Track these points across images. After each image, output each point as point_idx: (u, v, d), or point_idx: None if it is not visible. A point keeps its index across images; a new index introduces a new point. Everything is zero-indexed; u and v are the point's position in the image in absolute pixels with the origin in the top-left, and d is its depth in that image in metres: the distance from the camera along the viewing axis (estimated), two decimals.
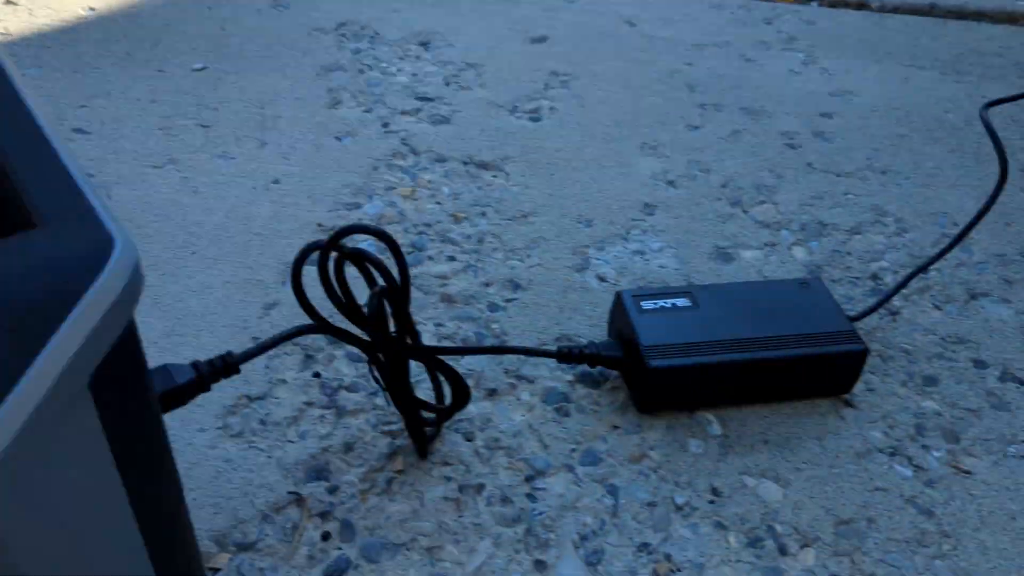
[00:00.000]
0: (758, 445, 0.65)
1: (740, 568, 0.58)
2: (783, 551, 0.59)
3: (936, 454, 0.65)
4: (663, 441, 0.65)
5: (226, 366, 0.50)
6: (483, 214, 0.85)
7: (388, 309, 0.57)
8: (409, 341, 0.59)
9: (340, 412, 0.66)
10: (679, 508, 0.61)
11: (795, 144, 0.96)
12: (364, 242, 0.80)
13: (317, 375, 0.69)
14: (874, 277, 0.80)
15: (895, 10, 1.22)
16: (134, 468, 0.32)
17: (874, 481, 0.63)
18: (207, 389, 0.50)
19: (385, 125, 0.95)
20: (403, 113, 0.97)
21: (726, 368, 0.65)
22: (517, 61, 1.08)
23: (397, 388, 0.59)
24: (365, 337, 0.58)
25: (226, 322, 0.72)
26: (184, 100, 0.97)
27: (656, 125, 0.98)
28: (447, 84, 1.02)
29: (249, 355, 0.51)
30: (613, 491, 0.62)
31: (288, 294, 0.75)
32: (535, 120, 0.98)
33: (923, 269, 0.74)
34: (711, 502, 0.61)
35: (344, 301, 0.57)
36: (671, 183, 0.90)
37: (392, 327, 0.58)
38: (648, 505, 0.61)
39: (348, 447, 0.64)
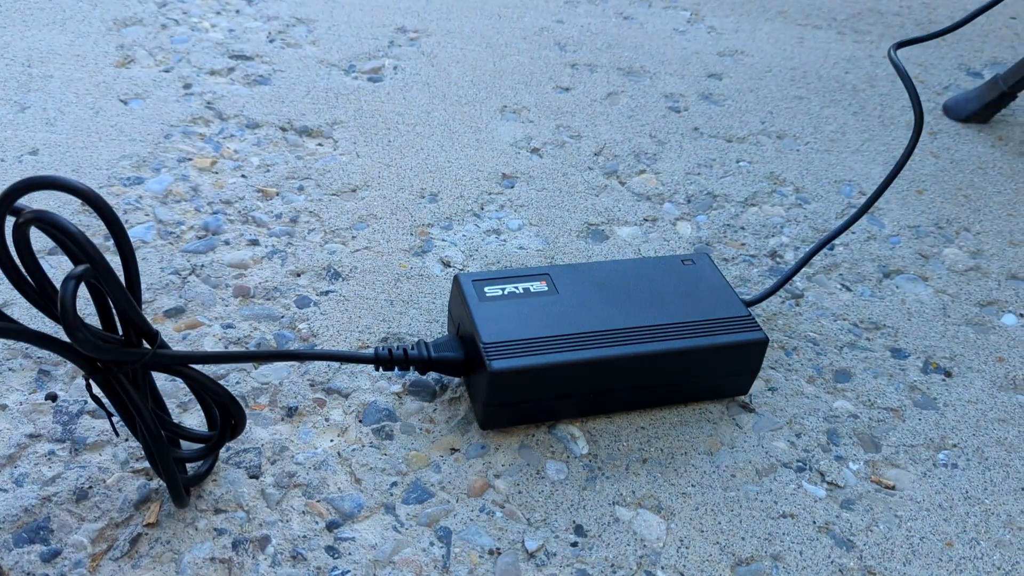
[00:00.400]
0: (634, 465, 0.51)
1: None
2: None
3: (853, 466, 0.52)
4: (513, 466, 0.50)
5: None
6: (300, 188, 0.68)
7: (113, 302, 0.40)
8: (147, 345, 0.42)
9: (77, 446, 0.49)
10: (531, 555, 0.46)
11: (679, 107, 0.83)
12: (145, 225, 0.62)
13: (52, 397, 0.51)
14: (773, 255, 0.67)
15: None
16: None
17: (779, 505, 0.49)
18: None
19: (187, 87, 0.78)
20: (211, 73, 0.80)
21: (592, 367, 0.50)
22: (358, 16, 0.91)
23: (133, 412, 0.42)
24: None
25: None
26: None
27: (519, 86, 0.83)
28: (270, 41, 0.85)
29: None
30: (445, 536, 0.46)
31: None
32: (375, 80, 0.82)
33: (828, 243, 0.61)
34: (574, 544, 0.47)
35: (35, 286, 0.40)
36: (535, 151, 0.75)
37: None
38: (490, 553, 0.46)
39: (81, 494, 0.46)
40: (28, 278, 0.39)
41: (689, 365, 0.53)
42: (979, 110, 0.84)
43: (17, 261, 0.40)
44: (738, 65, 0.90)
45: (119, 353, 0.40)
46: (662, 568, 0.46)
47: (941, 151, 0.80)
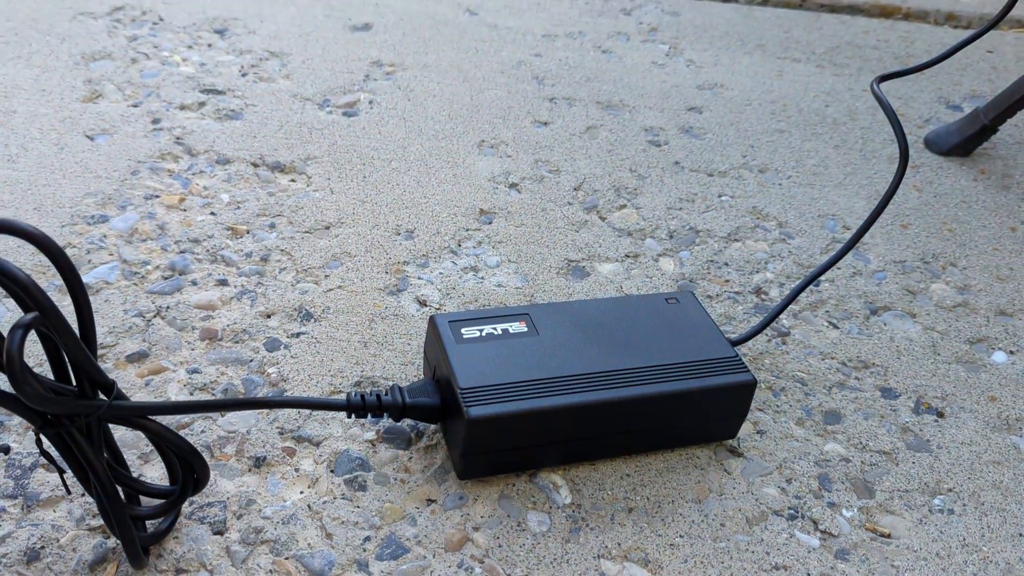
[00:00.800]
0: (620, 515, 0.49)
1: None
2: None
3: (847, 513, 0.50)
4: (493, 518, 0.48)
5: None
6: (272, 226, 0.66)
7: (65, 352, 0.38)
8: (103, 397, 0.40)
9: (29, 503, 0.46)
10: None
11: (660, 141, 0.82)
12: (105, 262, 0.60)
13: (4, 450, 0.48)
14: (758, 291, 0.66)
15: (764, 2, 1.11)
16: None
17: (772, 556, 0.47)
18: None
19: (156, 121, 0.75)
20: (181, 108, 0.78)
21: (574, 413, 0.48)
22: (333, 50, 0.90)
23: (86, 467, 0.40)
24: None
25: None
26: None
27: (497, 121, 0.82)
28: (243, 75, 0.84)
29: None
30: None
31: None
32: (350, 115, 0.80)
33: (814, 280, 0.59)
34: None
35: None
36: (514, 186, 0.74)
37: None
38: None
39: (33, 555, 0.43)
40: None
41: (675, 409, 0.51)
42: (960, 143, 0.84)
43: None
44: (718, 98, 0.89)
45: (71, 406, 0.38)
46: None
47: (924, 185, 0.80)
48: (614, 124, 0.83)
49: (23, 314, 0.36)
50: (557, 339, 0.51)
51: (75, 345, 0.37)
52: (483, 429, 0.47)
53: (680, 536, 0.48)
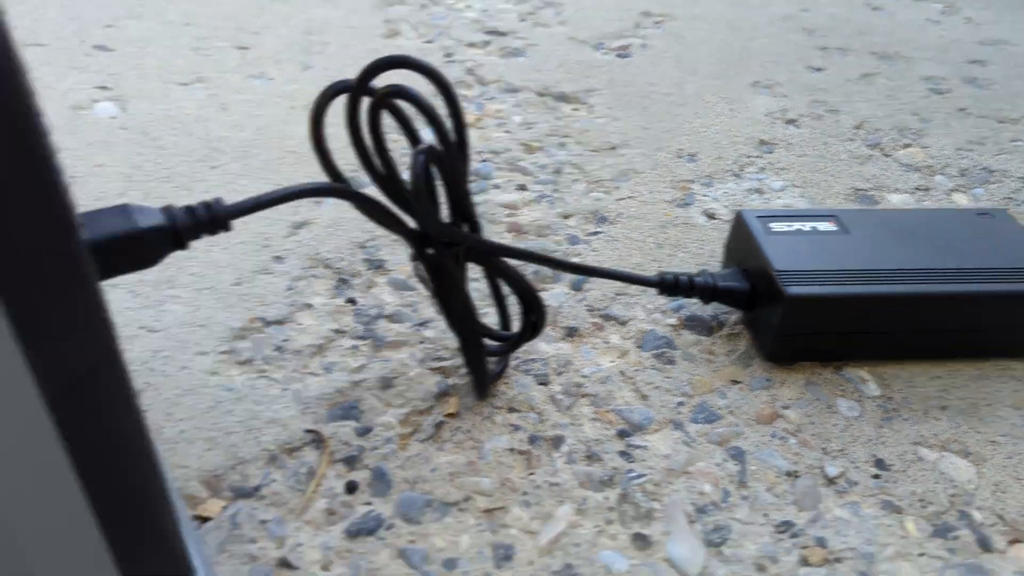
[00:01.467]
0: (934, 412, 0.48)
1: (927, 564, 0.40)
2: (985, 546, 0.41)
3: None
4: (802, 400, 0.48)
5: (212, 218, 0.35)
6: (561, 145, 0.70)
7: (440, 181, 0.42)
8: (468, 231, 0.44)
9: (378, 344, 0.51)
10: (831, 481, 0.44)
11: (942, 89, 0.80)
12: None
13: (352, 301, 0.54)
14: None
15: None
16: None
17: None
18: (183, 246, 0.35)
19: (448, 55, 0.81)
20: (470, 45, 0.83)
21: (891, 304, 0.48)
22: (604, 1, 0.94)
23: (452, 297, 0.44)
24: (406, 220, 0.43)
25: (244, 239, 0.58)
26: (223, 24, 0.85)
27: (770, 65, 0.82)
28: (522, 20, 0.89)
29: (244, 209, 0.36)
30: (739, 455, 0.45)
31: (322, 213, 0.60)
32: (624, 56, 0.83)
33: None
34: (876, 476, 0.44)
35: (383, 169, 0.42)
36: (792, 122, 0.74)
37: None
38: (788, 475, 0.44)
39: (386, 383, 0.48)
40: (378, 160, 0.42)
41: (991, 313, 0.50)
42: None
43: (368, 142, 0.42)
44: (1001, 53, 0.86)
45: (451, 233, 0.42)
46: (978, 509, 0.43)
47: None
48: (891, 72, 0.82)
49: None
50: (869, 238, 0.52)
51: (462, 179, 0.42)
52: (800, 309, 0.48)
53: (1001, 435, 0.47)
